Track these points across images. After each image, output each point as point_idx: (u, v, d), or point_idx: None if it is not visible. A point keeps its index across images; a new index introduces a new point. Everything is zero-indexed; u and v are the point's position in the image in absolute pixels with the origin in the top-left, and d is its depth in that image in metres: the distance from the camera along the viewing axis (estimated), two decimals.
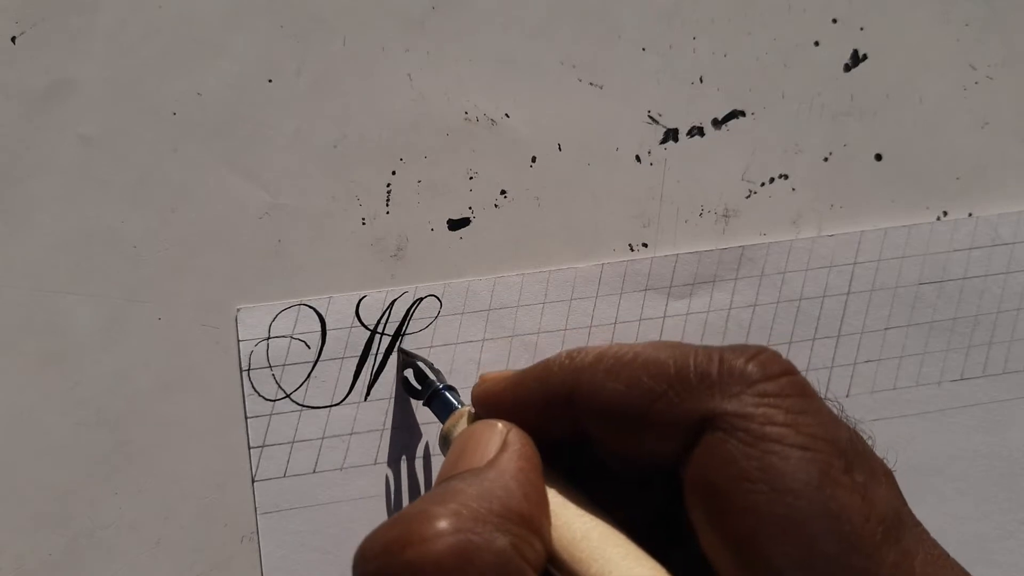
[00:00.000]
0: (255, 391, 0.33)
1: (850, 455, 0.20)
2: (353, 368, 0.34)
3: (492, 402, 0.25)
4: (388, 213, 0.35)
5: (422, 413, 0.33)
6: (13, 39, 0.33)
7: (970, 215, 0.37)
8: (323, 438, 0.33)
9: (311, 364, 0.33)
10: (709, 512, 0.20)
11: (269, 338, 0.33)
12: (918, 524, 0.21)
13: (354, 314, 0.34)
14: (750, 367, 0.21)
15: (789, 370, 0.21)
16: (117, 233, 0.33)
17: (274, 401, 0.33)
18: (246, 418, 0.33)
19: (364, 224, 0.34)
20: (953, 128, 0.38)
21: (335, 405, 0.34)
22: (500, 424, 0.23)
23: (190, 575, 0.33)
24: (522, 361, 0.35)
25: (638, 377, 0.21)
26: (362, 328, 0.34)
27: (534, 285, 0.35)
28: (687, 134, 0.36)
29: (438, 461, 0.34)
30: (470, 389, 0.26)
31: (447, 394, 0.30)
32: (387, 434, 0.34)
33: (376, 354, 0.34)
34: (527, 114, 0.35)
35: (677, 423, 0.21)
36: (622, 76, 0.36)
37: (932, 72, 0.38)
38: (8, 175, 0.33)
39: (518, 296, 0.35)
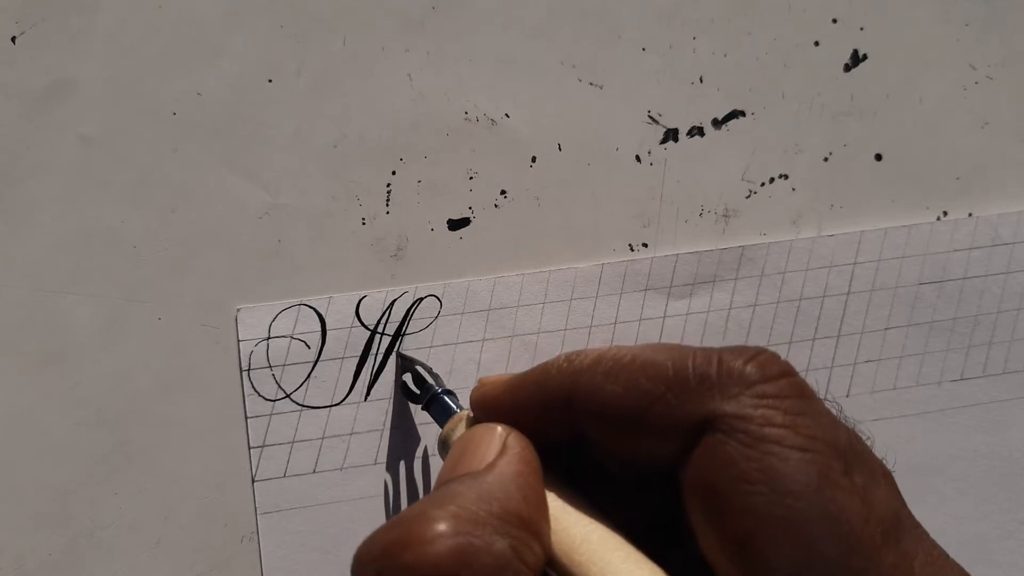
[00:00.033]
0: (255, 391, 0.33)
1: (849, 456, 0.20)
2: (353, 368, 0.34)
3: (491, 406, 0.25)
4: (388, 213, 0.35)
5: (421, 414, 0.33)
6: (13, 39, 0.33)
7: (970, 215, 0.37)
8: (323, 438, 0.33)
9: (311, 364, 0.34)
10: (708, 514, 0.20)
11: (269, 338, 0.33)
12: (917, 525, 0.21)
13: (354, 314, 0.34)
14: (749, 368, 0.21)
15: (788, 371, 0.21)
16: (117, 233, 0.33)
17: (274, 401, 0.33)
18: (246, 418, 0.33)
19: (364, 224, 0.34)
20: (953, 128, 0.38)
21: (335, 405, 0.34)
22: (499, 428, 0.23)
23: (190, 575, 0.33)
24: (522, 361, 0.35)
25: (636, 379, 0.21)
26: (362, 328, 0.34)
27: (534, 285, 0.35)
28: (687, 134, 0.36)
29: (438, 461, 0.34)
30: (470, 389, 0.26)
31: (446, 398, 0.30)
32: (387, 434, 0.34)
33: (376, 354, 0.34)
34: (527, 114, 0.35)
35: (676, 425, 0.21)
36: (622, 76, 0.36)
37: (932, 72, 0.38)
38: (8, 175, 0.33)
39: (518, 296, 0.35)
